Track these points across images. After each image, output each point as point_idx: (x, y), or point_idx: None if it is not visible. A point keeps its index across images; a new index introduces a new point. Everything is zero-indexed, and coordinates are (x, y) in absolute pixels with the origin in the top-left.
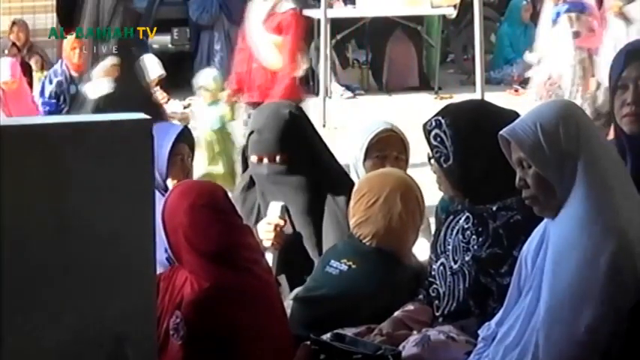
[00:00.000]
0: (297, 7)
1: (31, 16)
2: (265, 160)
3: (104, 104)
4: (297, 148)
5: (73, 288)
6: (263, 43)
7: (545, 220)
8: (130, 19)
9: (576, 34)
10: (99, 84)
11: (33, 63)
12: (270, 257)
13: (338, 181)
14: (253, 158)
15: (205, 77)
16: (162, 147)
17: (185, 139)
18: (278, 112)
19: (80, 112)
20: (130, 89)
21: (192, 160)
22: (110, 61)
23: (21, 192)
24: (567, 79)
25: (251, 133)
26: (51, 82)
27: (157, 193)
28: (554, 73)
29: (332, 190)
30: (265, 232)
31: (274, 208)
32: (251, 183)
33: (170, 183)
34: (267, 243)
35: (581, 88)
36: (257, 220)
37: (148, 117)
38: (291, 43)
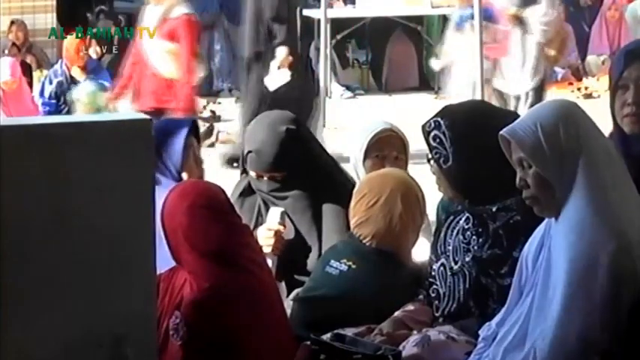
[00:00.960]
0: (190, 12)
1: (31, 16)
2: (265, 178)
3: (282, 94)
4: (296, 164)
5: (73, 288)
6: (156, 50)
7: (546, 220)
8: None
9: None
10: (278, 75)
11: (32, 63)
12: (270, 263)
13: (339, 189)
14: (252, 174)
15: (79, 91)
16: (177, 141)
17: (194, 132)
18: (275, 130)
19: (256, 102)
20: (302, 79)
21: (199, 152)
22: (284, 51)
23: (21, 192)
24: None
25: (249, 152)
26: (51, 82)
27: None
28: (463, 85)
29: (333, 198)
30: (265, 237)
31: (274, 214)
32: (249, 188)
33: (185, 176)
34: (267, 249)
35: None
36: (257, 225)
37: (147, 117)
38: (186, 51)
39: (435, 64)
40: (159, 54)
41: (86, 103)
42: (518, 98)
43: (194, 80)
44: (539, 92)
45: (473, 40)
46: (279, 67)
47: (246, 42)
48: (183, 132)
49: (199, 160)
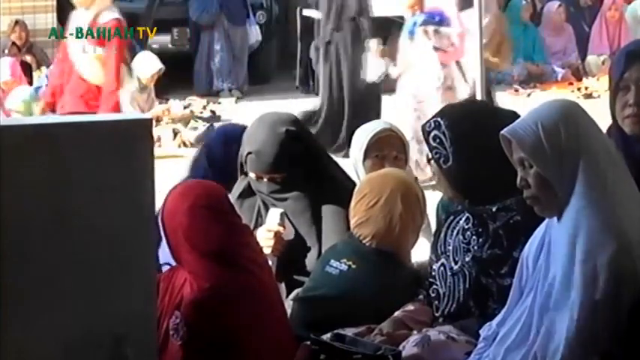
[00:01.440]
0: (119, 16)
1: (31, 16)
2: (265, 179)
3: (382, 84)
4: (296, 165)
5: (73, 288)
6: (84, 56)
7: (547, 220)
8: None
9: (436, 49)
10: (376, 65)
11: (32, 63)
12: (269, 264)
13: (339, 189)
14: (252, 175)
15: (13, 100)
16: (234, 148)
17: None
18: (274, 131)
19: (356, 95)
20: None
21: None
22: (376, 42)
23: (21, 192)
24: (434, 101)
25: (249, 153)
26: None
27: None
28: (419, 93)
29: (333, 199)
30: (265, 239)
31: (274, 215)
32: (249, 189)
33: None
34: (266, 250)
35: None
36: (256, 226)
37: (148, 117)
38: (115, 57)
39: (393, 71)
40: (86, 60)
41: (20, 112)
42: None
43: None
44: (487, 97)
45: (424, 46)
46: (374, 58)
47: (322, 33)
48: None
49: None
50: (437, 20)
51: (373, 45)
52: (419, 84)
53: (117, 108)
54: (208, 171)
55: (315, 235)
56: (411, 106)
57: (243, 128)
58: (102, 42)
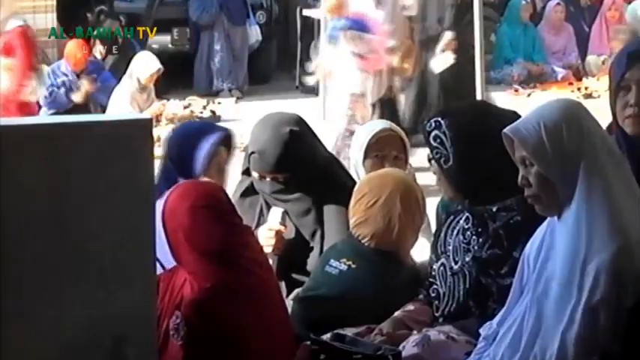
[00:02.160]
0: (25, 24)
1: (31, 16)
2: (267, 178)
3: (448, 76)
4: (299, 166)
5: (73, 288)
6: None
7: (548, 219)
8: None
9: (358, 56)
10: (443, 58)
11: None
12: (270, 263)
13: (341, 190)
14: (255, 174)
15: None
16: (201, 149)
17: (225, 142)
18: (278, 131)
19: (427, 87)
20: (464, 60)
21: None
22: (449, 35)
23: (21, 192)
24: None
25: (252, 152)
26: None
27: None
28: (346, 98)
29: (335, 199)
30: (266, 237)
31: (275, 214)
32: (251, 188)
33: None
34: (267, 249)
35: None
36: (258, 225)
37: (148, 117)
38: (20, 64)
39: (309, 79)
40: None
41: None
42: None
43: (25, 95)
44: (390, 104)
45: (347, 50)
46: (443, 50)
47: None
48: (211, 141)
49: (222, 171)
50: (360, 26)
51: (446, 37)
52: (339, 89)
53: (16, 114)
54: (172, 170)
55: (317, 235)
56: (340, 111)
57: (198, 126)
58: (9, 50)
